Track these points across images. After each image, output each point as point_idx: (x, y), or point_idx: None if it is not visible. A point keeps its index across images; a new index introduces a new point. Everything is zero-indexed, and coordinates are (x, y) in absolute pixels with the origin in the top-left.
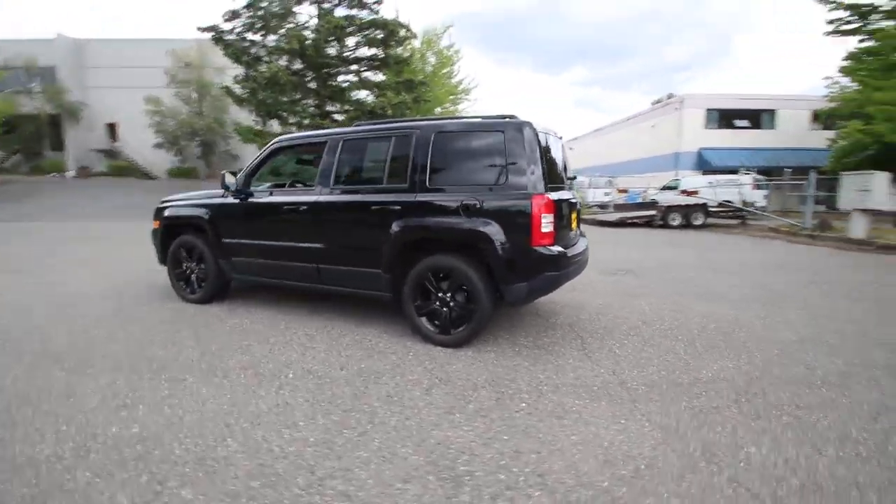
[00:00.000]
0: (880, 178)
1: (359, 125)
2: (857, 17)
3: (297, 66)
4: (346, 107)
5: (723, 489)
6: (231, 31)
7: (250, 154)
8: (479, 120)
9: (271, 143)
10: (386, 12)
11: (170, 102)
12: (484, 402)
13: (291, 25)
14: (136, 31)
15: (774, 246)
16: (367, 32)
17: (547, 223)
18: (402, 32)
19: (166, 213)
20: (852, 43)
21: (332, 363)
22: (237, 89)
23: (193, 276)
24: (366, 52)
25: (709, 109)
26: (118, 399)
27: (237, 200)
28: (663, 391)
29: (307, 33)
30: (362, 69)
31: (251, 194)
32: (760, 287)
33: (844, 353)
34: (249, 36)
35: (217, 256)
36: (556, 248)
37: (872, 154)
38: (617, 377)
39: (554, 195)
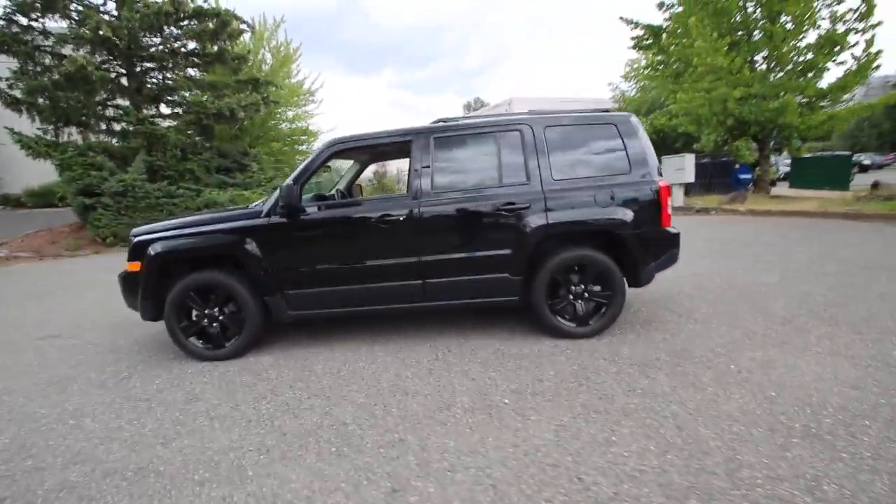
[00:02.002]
0: (689, 159)
1: (439, 122)
2: (651, 36)
3: (100, 58)
4: (177, 109)
5: None
6: None
7: (28, 171)
8: (586, 114)
9: (327, 144)
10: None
11: None
12: (705, 373)
13: (82, 9)
14: None
15: None
16: (193, 22)
17: (669, 205)
18: (235, 24)
19: (154, 248)
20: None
21: (521, 380)
22: (6, 88)
23: (214, 326)
24: (191, 46)
25: (530, 110)
26: (379, 486)
27: (287, 220)
28: (786, 332)
29: (107, 18)
30: (187, 65)
31: (303, 210)
32: (684, 251)
33: (817, 284)
34: (23, 21)
35: (263, 293)
36: (676, 227)
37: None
38: (745, 331)
39: None
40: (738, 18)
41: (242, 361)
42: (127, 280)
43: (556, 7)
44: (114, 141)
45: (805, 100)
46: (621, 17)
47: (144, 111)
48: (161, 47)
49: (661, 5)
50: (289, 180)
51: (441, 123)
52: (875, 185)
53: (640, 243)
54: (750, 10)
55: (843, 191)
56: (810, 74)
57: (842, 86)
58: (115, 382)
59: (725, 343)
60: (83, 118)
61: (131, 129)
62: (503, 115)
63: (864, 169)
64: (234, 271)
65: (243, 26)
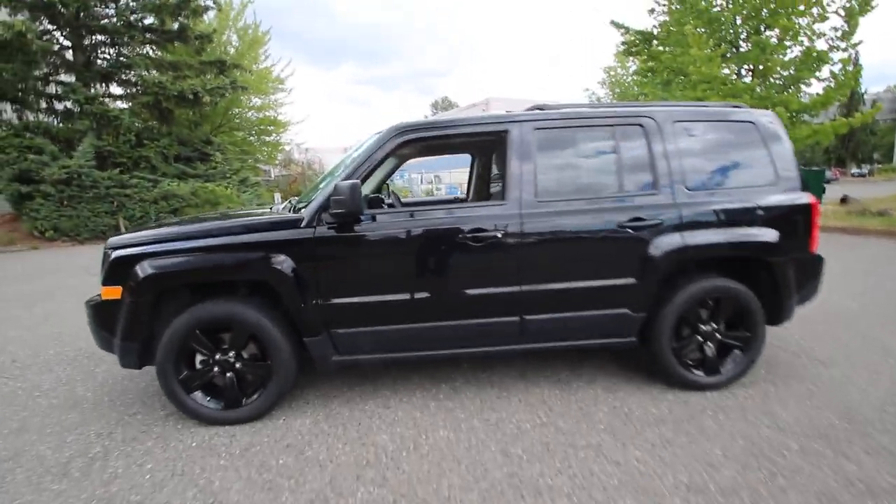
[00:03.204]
0: None
1: (535, 109)
2: (641, 42)
3: (42, 26)
4: (132, 89)
5: None
6: None
7: None
8: (719, 107)
9: (393, 131)
10: None
11: None
12: None
13: None
14: None
15: None
16: None
17: (818, 225)
18: (199, 0)
19: (144, 268)
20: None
21: (683, 464)
22: None
23: (228, 377)
24: (149, 21)
25: (507, 111)
26: None
27: (340, 233)
28: None
29: None
30: (144, 41)
31: (359, 219)
32: None
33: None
34: None
35: (302, 332)
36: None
37: None
38: (893, 379)
39: None
40: (728, 30)
41: (269, 426)
42: (100, 311)
43: (527, 9)
44: (56, 122)
45: (788, 114)
46: (612, 22)
47: (93, 89)
48: (115, 19)
49: (651, 11)
50: (344, 178)
51: (539, 110)
52: (844, 200)
53: (789, 272)
54: (738, 21)
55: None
56: (792, 89)
57: (823, 101)
58: (84, 466)
59: (890, 398)
60: (20, 94)
61: (78, 108)
62: (618, 104)
63: None
64: (258, 301)
65: (208, 2)
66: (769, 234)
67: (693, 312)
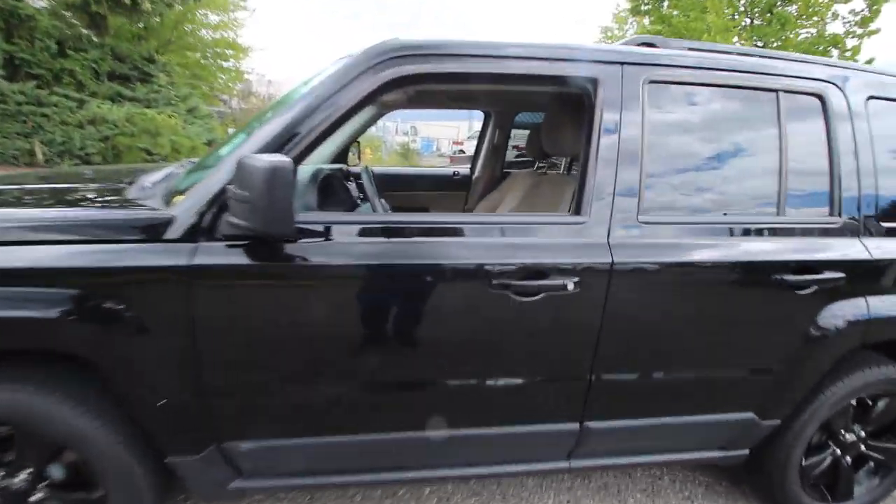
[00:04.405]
0: None
1: (641, 45)
2: (653, 1)
3: None
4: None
5: None
6: None
7: None
8: None
9: (375, 54)
10: None
11: None
12: None
13: None
14: None
15: None
16: None
17: None
18: None
19: None
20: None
21: None
22: None
23: None
24: None
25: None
26: None
27: (251, 258)
28: None
29: None
30: None
31: (291, 233)
32: None
33: None
34: None
35: (167, 447)
36: None
37: None
38: None
39: None
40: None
41: None
42: None
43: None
44: None
45: None
46: None
47: None
48: None
49: None
50: (261, 147)
51: (650, 48)
52: None
53: None
54: None
55: None
56: None
57: None
58: None
59: None
60: None
61: None
62: (782, 54)
63: None
64: (71, 383)
65: None
66: None
67: (842, 416)
